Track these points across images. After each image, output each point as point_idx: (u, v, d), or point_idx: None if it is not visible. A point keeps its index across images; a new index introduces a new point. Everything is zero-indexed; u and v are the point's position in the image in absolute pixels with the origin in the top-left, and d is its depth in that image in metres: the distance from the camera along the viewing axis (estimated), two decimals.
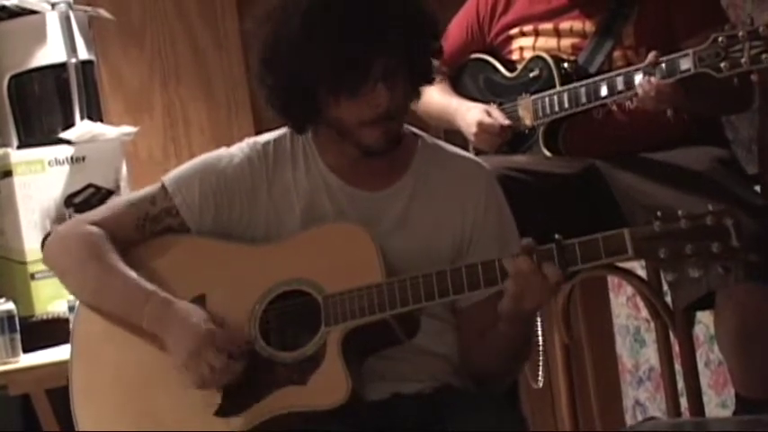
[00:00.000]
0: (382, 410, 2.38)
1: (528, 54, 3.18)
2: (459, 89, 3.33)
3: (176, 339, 2.40)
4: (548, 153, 3.13)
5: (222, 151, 2.57)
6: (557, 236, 2.28)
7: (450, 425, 2.34)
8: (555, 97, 3.09)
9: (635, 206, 3.00)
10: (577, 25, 3.14)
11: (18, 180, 3.56)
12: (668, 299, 3.21)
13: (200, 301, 2.46)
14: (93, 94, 3.79)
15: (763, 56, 2.70)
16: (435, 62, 2.50)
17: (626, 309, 4.28)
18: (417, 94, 2.49)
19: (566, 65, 3.11)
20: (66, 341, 3.23)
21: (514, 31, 3.22)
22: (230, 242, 2.50)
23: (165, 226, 2.53)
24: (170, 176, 2.56)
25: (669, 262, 2.23)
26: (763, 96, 3.10)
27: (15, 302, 3.38)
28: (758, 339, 2.86)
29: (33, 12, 3.71)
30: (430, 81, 2.49)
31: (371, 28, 2.35)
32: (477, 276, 2.32)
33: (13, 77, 3.70)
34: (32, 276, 3.53)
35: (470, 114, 3.20)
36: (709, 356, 3.99)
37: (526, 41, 3.20)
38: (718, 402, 3.98)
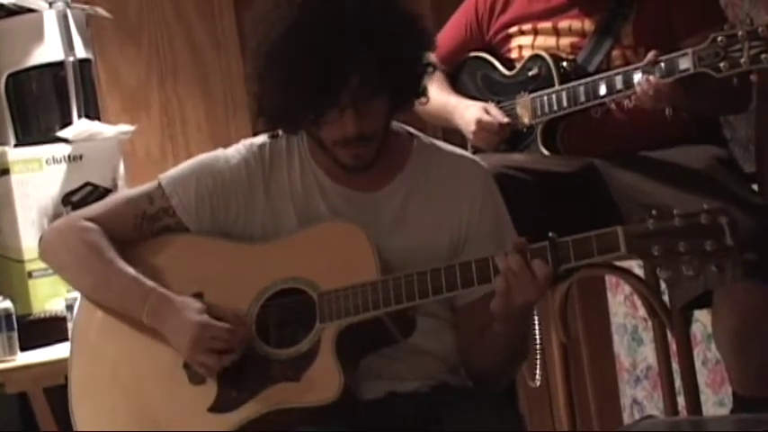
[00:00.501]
0: (378, 409, 2.39)
1: (527, 53, 3.18)
2: (458, 87, 3.33)
3: (175, 333, 2.42)
4: (546, 152, 3.13)
5: (219, 152, 2.57)
6: (550, 234, 2.28)
7: (446, 424, 2.35)
8: (553, 96, 3.09)
9: (633, 205, 3.00)
10: (576, 24, 3.14)
11: (15, 178, 3.56)
12: (666, 298, 3.21)
13: (197, 298, 2.47)
14: (90, 93, 3.79)
15: (763, 56, 2.70)
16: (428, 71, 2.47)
17: (623, 307, 4.28)
18: (403, 110, 2.48)
19: (564, 64, 3.11)
20: (63, 339, 3.25)
21: (513, 29, 3.22)
22: (228, 241, 2.51)
23: (163, 225, 2.54)
24: (167, 176, 2.56)
25: (662, 260, 2.23)
26: (761, 96, 3.10)
27: (13, 301, 3.38)
28: (755, 338, 2.86)
29: (31, 10, 3.70)
30: (418, 96, 2.47)
31: (340, 56, 2.32)
32: (471, 274, 2.32)
33: (10, 76, 3.70)
34: (30, 275, 3.53)
35: (469, 112, 3.20)
36: (706, 355, 3.99)
37: (525, 40, 3.20)
38: (716, 401, 3.98)
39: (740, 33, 2.73)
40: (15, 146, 3.66)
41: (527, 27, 3.20)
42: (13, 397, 3.55)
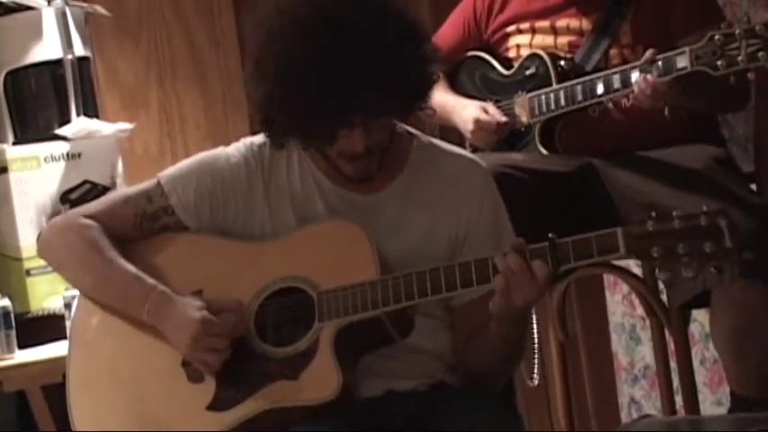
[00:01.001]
0: (376, 407, 2.39)
1: (525, 52, 3.18)
2: (456, 87, 3.33)
3: (175, 332, 2.42)
4: (544, 151, 3.13)
5: (218, 151, 2.56)
6: (550, 234, 2.28)
7: (444, 423, 2.34)
8: (551, 95, 3.09)
9: (631, 204, 3.00)
10: (574, 23, 3.14)
11: (14, 176, 3.56)
12: (664, 297, 3.21)
13: (196, 296, 2.46)
14: (89, 91, 3.79)
15: (760, 54, 2.70)
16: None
17: (621, 306, 4.28)
18: (408, 119, 2.48)
19: (562, 63, 3.11)
20: (61, 337, 3.25)
21: (511, 28, 3.22)
22: (227, 240, 2.50)
23: (163, 224, 2.54)
24: (166, 175, 2.55)
25: (662, 261, 2.24)
26: (759, 95, 3.10)
27: (11, 299, 3.39)
28: (753, 337, 2.87)
29: (30, 8, 3.70)
30: (424, 109, 2.46)
31: (355, 78, 2.29)
32: (470, 274, 2.32)
33: (9, 73, 3.70)
34: (28, 273, 3.53)
35: (467, 111, 3.20)
36: (704, 354, 3.99)
37: (523, 39, 3.20)
38: (714, 400, 3.98)
39: (737, 32, 2.73)
40: (14, 144, 3.66)
41: (525, 26, 3.20)
42: (11, 398, 3.55)
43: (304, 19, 2.33)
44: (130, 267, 2.48)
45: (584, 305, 3.67)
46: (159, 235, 2.54)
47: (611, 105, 3.07)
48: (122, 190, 2.67)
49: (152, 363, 2.47)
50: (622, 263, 3.21)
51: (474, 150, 3.16)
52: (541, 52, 3.13)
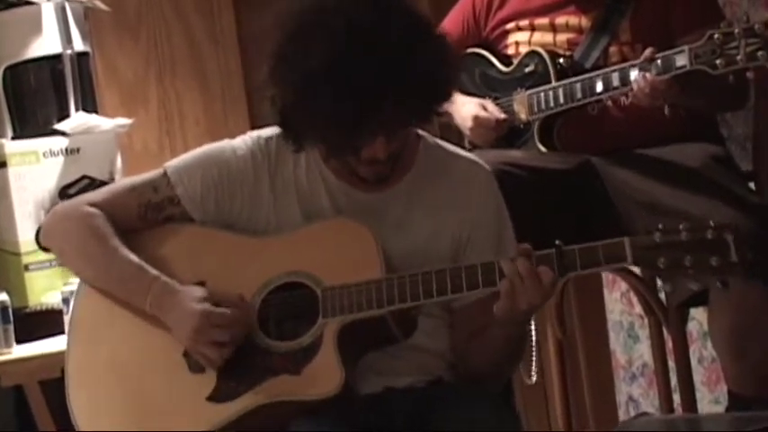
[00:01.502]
0: (375, 404, 2.39)
1: (524, 49, 3.18)
2: None
3: (177, 323, 2.42)
4: (543, 148, 3.13)
5: (225, 143, 2.56)
6: (557, 242, 2.29)
7: (443, 421, 2.34)
8: (550, 92, 3.09)
9: (629, 202, 3.00)
10: (573, 20, 3.14)
11: (12, 171, 3.56)
12: (662, 295, 3.21)
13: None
14: (88, 86, 3.78)
15: (759, 53, 2.70)
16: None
17: (620, 305, 4.28)
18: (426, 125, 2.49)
19: (561, 60, 3.11)
20: (59, 332, 3.25)
21: (510, 25, 3.22)
22: (232, 233, 2.50)
23: (167, 215, 2.53)
24: (173, 165, 2.55)
25: (668, 272, 2.25)
26: (758, 94, 3.10)
27: (9, 293, 3.38)
28: (751, 337, 2.87)
29: (29, 2, 3.70)
30: (439, 114, 2.47)
31: (382, 90, 2.28)
32: (477, 277, 2.33)
33: (8, 68, 3.70)
34: (26, 268, 3.53)
35: (466, 109, 3.20)
36: (702, 353, 3.99)
37: (522, 36, 3.20)
38: (711, 399, 3.98)
39: (737, 31, 2.73)
40: (13, 138, 3.65)
41: (524, 23, 3.19)
42: (9, 396, 3.55)
43: (333, 32, 2.30)
44: (133, 257, 2.47)
45: (582, 303, 3.67)
46: (163, 225, 2.53)
47: (610, 103, 3.07)
48: (128, 179, 2.64)
49: (153, 352, 2.46)
50: None
51: (473, 147, 3.16)
52: (540, 50, 3.13)
